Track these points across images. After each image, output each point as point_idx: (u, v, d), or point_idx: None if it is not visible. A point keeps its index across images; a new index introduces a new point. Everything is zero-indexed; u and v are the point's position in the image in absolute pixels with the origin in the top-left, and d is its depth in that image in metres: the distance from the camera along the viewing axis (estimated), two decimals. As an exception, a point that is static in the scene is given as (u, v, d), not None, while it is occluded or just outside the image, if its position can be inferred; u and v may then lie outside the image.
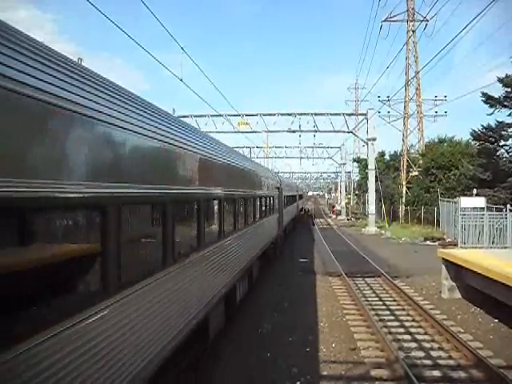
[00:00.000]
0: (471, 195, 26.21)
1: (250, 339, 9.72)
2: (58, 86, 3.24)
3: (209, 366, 7.83)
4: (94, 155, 3.66)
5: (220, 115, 38.01)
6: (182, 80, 16.84)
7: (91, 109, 3.62)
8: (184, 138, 6.20)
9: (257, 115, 41.15)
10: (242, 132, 42.17)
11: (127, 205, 4.26)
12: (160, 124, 5.34)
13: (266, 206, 16.03)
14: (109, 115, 3.93)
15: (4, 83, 2.65)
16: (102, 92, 4.04)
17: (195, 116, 39.74)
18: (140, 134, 4.57)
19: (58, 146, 3.21)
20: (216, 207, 8.14)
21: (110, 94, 4.26)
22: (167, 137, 5.40)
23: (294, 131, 42.17)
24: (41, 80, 3.05)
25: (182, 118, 10.37)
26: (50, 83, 3.15)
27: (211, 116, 39.36)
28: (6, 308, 2.74)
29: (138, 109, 4.84)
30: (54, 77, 3.28)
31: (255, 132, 42.64)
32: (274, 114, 41.04)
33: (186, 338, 5.84)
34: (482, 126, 31.92)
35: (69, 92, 3.37)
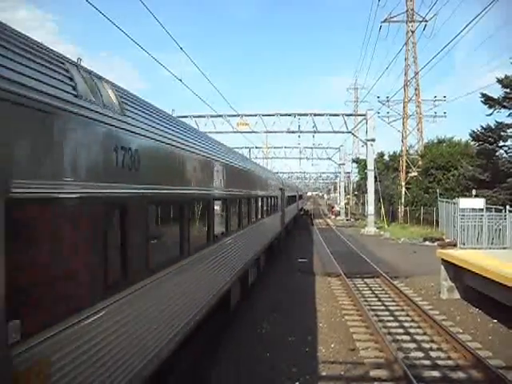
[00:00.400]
0: (470, 196, 26.19)
1: (250, 339, 9.72)
2: (162, 130, 5.39)
3: (208, 366, 7.82)
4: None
5: (219, 115, 38.01)
6: (181, 80, 16.83)
7: (171, 139, 5.67)
8: (217, 153, 8.59)
9: (256, 116, 41.14)
10: (241, 132, 42.17)
11: (188, 202, 6.34)
12: (202, 142, 7.61)
13: (271, 205, 18.01)
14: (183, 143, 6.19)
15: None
16: (176, 127, 6.36)
17: (194, 116, 39.70)
18: (188, 150, 6.40)
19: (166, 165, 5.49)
20: (237, 205, 10.34)
21: (175, 126, 6.34)
22: (205, 151, 7.49)
23: (293, 132, 42.17)
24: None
25: (181, 119, 11.16)
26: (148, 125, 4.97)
27: (210, 116, 39.34)
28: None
29: (189, 133, 7.02)
30: (172, 129, 6.02)
31: (254, 132, 42.64)
32: (274, 115, 41.01)
33: (218, 303, 8.03)
34: (482, 126, 31.95)
35: (166, 133, 5.56)
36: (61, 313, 3.13)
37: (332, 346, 9.44)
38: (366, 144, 39.38)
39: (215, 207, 8.06)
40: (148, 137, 4.85)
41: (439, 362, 8.46)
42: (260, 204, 14.53)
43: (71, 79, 3.59)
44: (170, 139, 5.58)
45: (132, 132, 4.44)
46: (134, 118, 4.59)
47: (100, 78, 4.38)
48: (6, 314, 2.58)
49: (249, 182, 12.35)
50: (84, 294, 3.47)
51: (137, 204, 4.49)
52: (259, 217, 14.17)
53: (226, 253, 8.68)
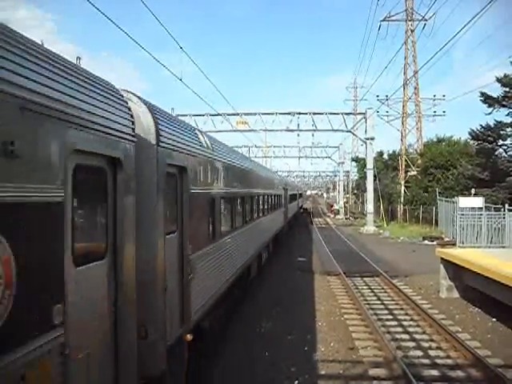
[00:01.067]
0: (469, 195, 26.25)
1: (249, 338, 9.72)
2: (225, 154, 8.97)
3: (207, 366, 7.82)
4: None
5: (219, 114, 37.99)
6: (181, 79, 16.82)
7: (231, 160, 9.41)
8: (251, 166, 13.76)
9: (255, 114, 41.14)
10: (240, 131, 42.17)
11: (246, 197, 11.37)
12: (242, 159, 12.52)
13: (277, 202, 21.59)
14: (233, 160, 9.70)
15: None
16: (233, 153, 10.79)
17: (194, 115, 39.70)
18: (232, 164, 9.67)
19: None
20: (259, 200, 14.69)
21: (232, 152, 10.71)
22: (245, 165, 12.02)
23: (292, 130, 42.17)
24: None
25: (180, 117, 12.29)
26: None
27: (210, 115, 39.32)
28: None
29: (235, 154, 11.52)
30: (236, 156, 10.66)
31: (254, 131, 42.65)
32: (273, 113, 41.01)
33: (243, 270, 11.24)
34: (481, 125, 32.01)
35: (228, 157, 9.49)
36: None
37: (331, 344, 9.45)
38: (366, 143, 39.39)
39: (252, 200, 12.80)
40: (222, 161, 8.51)
41: (438, 361, 8.46)
42: (270, 200, 18.25)
43: (198, 137, 7.10)
44: (230, 161, 9.45)
45: (217, 159, 8.00)
46: (217, 152, 8.14)
47: (201, 132, 8.10)
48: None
49: (265, 184, 16.65)
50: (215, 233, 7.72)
51: (229, 196, 9.29)
52: (270, 211, 17.98)
53: (256, 229, 13.48)
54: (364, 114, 39.02)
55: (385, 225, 40.18)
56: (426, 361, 8.50)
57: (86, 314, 3.49)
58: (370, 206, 38.79)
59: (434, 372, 7.94)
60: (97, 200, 3.96)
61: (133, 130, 4.37)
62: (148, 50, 12.49)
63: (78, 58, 4.31)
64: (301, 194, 55.12)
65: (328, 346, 9.34)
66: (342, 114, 40.90)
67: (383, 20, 43.26)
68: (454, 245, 20.33)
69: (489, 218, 19.40)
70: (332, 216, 63.05)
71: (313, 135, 45.15)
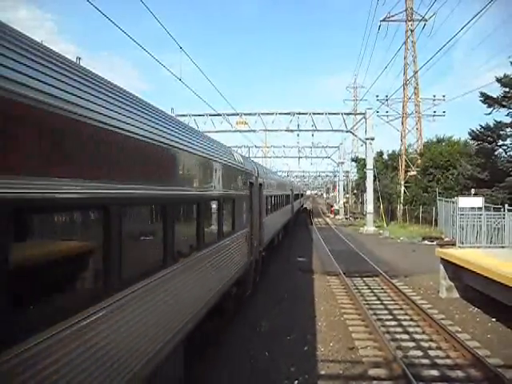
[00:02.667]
0: (469, 195, 26.23)
1: (248, 338, 9.72)
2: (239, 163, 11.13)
3: (207, 366, 7.83)
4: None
5: (218, 114, 38.00)
6: (180, 79, 16.85)
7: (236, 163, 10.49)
8: (278, 178, 26.23)
9: (255, 114, 41.12)
10: (240, 131, 42.16)
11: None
12: (274, 175, 24.38)
13: (287, 200, 28.07)
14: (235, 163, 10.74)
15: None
16: (261, 167, 17.34)
17: (194, 115, 39.70)
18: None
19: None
20: (279, 199, 21.55)
21: (260, 166, 17.32)
22: (277, 178, 25.51)
23: (292, 130, 42.17)
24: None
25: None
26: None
27: (210, 115, 39.32)
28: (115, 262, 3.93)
29: (265, 169, 20.49)
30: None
31: (254, 131, 42.63)
32: (273, 113, 41.00)
33: (282, 227, 23.86)
34: (481, 125, 31.98)
35: (275, 176, 23.28)
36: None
37: (331, 344, 9.45)
38: (365, 143, 39.38)
39: (280, 198, 20.67)
40: (273, 178, 18.44)
41: (438, 361, 8.47)
42: (282, 199, 24.34)
43: (233, 156, 10.19)
44: (275, 178, 17.97)
45: (246, 171, 11.10)
46: (270, 174, 17.51)
47: (232, 150, 11.02)
48: None
49: (283, 188, 24.82)
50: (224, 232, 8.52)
51: (275, 195, 19.18)
52: (285, 204, 26.21)
53: (283, 211, 22.81)
54: (364, 114, 39.01)
55: (384, 225, 40.17)
56: (426, 361, 8.51)
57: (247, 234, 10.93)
58: (369, 206, 38.79)
59: (434, 372, 7.95)
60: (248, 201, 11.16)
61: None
62: (148, 50, 12.51)
63: (78, 59, 4.31)
64: (302, 194, 60.13)
65: (328, 346, 9.34)
66: (341, 114, 40.92)
67: (383, 20, 43.34)
68: (454, 245, 20.28)
69: (488, 218, 19.33)
70: (332, 216, 63.02)
71: (312, 135, 45.18)
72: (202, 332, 6.94)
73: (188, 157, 6.11)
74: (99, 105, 3.75)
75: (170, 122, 5.72)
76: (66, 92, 3.26)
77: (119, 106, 4.18)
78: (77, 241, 3.64)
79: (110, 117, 3.86)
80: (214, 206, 7.71)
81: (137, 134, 4.38)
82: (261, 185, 14.02)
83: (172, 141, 5.40)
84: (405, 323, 11.01)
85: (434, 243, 25.83)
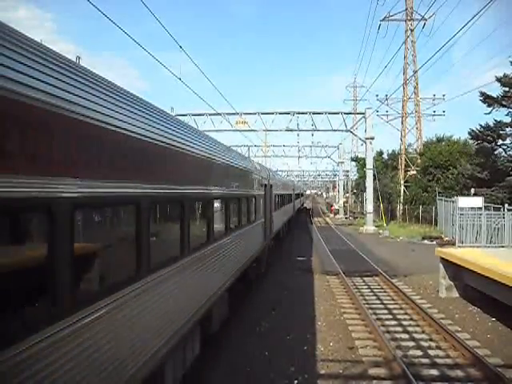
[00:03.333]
0: (469, 194, 26.27)
1: (248, 338, 9.72)
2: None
3: (207, 365, 7.83)
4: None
5: (218, 114, 37.96)
6: (180, 79, 16.83)
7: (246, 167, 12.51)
8: (284, 179, 33.62)
9: (255, 114, 41.09)
10: (240, 131, 42.14)
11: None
12: (291, 182, 38.05)
13: (289, 199, 30.54)
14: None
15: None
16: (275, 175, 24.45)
17: (193, 115, 39.67)
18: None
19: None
20: (286, 197, 27.11)
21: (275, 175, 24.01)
22: (293, 182, 42.18)
23: (292, 130, 42.12)
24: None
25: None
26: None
27: (209, 115, 39.29)
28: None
29: (279, 176, 30.17)
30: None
31: (253, 131, 42.58)
32: (272, 113, 40.95)
33: (289, 218, 30.61)
34: (480, 125, 31.97)
35: (280, 177, 27.30)
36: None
37: (331, 344, 9.45)
38: (365, 142, 39.37)
39: (284, 197, 25.34)
40: (279, 180, 23.41)
41: (438, 361, 8.47)
42: (287, 198, 28.55)
43: (254, 165, 14.24)
44: (279, 179, 23.88)
45: (262, 176, 14.52)
46: (261, 170, 15.18)
47: (251, 159, 16.18)
48: None
49: (283, 187, 25.94)
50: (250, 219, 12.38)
51: (283, 194, 23.76)
52: (287, 203, 28.64)
53: (288, 207, 29.46)
54: (363, 113, 38.99)
55: (384, 224, 40.15)
56: (426, 360, 8.50)
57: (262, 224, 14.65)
58: (369, 206, 38.79)
59: (434, 371, 7.94)
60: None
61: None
62: (148, 50, 12.49)
63: (78, 58, 4.31)
64: (302, 194, 64.16)
65: (327, 346, 9.34)
66: (341, 113, 40.87)
67: (383, 19, 43.28)
68: (454, 244, 20.29)
69: (488, 218, 19.33)
70: (332, 216, 63.06)
71: (312, 135, 45.20)
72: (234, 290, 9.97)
73: (231, 169, 9.36)
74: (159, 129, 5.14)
75: (219, 146, 8.76)
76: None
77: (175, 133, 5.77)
78: (125, 232, 4.46)
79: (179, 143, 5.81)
80: (244, 201, 10.89)
81: (195, 152, 6.42)
82: (271, 186, 17.56)
83: (221, 158, 8.42)
84: (404, 323, 11.01)
85: (434, 243, 25.85)
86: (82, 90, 3.55)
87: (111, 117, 3.88)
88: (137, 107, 4.68)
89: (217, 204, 8.06)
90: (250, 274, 12.81)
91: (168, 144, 5.29)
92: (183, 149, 5.89)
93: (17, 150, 2.68)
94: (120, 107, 4.18)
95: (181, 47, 14.98)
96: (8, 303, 2.79)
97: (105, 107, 3.81)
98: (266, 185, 15.46)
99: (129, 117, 4.31)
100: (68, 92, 3.30)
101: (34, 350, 2.74)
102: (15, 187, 2.65)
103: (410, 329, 10.49)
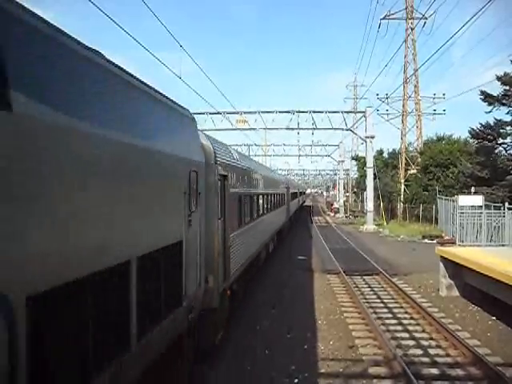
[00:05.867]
0: (469, 193, 26.25)
1: (248, 336, 9.73)
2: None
3: (207, 364, 7.83)
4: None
5: (219, 113, 37.97)
6: (180, 78, 16.84)
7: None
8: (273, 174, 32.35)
9: (255, 113, 41.06)
10: (240, 129, 42.16)
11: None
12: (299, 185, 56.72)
13: (296, 195, 40.76)
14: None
15: None
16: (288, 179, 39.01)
17: (194, 114, 39.53)
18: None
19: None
20: (294, 194, 38.88)
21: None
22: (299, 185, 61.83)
23: (292, 129, 42.12)
24: None
25: None
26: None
27: (210, 114, 39.28)
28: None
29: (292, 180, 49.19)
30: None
31: (254, 129, 42.61)
32: (273, 112, 40.91)
33: (297, 209, 44.32)
34: (481, 124, 31.90)
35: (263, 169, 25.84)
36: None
37: (331, 343, 9.46)
38: (366, 141, 39.37)
39: (295, 194, 40.61)
40: (286, 182, 30.87)
41: (438, 359, 8.47)
42: (298, 196, 43.92)
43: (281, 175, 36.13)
44: (290, 181, 39.84)
45: (285, 181, 30.41)
46: (285, 178, 36.63)
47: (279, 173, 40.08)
48: None
49: (294, 187, 38.98)
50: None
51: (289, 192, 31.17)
52: (295, 198, 40.77)
53: (295, 204, 40.65)
54: (364, 112, 38.98)
55: (385, 223, 40.16)
56: (426, 359, 8.51)
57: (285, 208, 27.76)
58: (369, 205, 38.79)
59: (434, 370, 7.95)
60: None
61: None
62: (148, 49, 12.47)
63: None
64: (304, 192, 74.40)
65: (328, 345, 9.34)
66: (341, 112, 40.89)
67: (383, 18, 43.16)
68: (454, 243, 20.35)
69: (488, 217, 19.40)
70: (332, 215, 63.06)
71: (313, 134, 45.29)
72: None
73: (273, 179, 20.46)
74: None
75: (270, 171, 23.79)
76: None
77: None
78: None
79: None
80: (280, 196, 22.38)
81: (261, 174, 15.74)
82: (289, 187, 30.07)
83: (271, 176, 21.22)
84: (405, 321, 11.02)
85: (434, 241, 25.82)
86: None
87: (248, 166, 12.47)
88: (248, 158, 14.69)
89: (274, 195, 19.63)
90: (282, 233, 25.68)
91: (252, 170, 13.20)
92: (255, 172, 13.85)
93: None
94: (248, 160, 13.70)
95: (181, 46, 14.99)
96: None
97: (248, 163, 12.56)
98: (287, 187, 28.44)
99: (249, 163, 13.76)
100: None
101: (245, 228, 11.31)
102: None
103: (410, 328, 10.50)
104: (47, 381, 2.81)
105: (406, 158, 45.00)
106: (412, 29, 43.25)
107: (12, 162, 2.44)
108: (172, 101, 5.97)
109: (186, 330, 6.15)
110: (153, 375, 4.69)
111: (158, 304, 4.79)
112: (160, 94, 5.47)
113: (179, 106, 6.39)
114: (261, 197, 15.24)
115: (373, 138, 38.58)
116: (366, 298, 13.37)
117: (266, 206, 16.56)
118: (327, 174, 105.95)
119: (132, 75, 4.56)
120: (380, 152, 57.53)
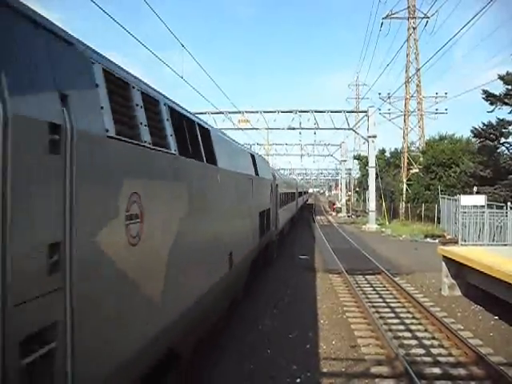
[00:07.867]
0: (471, 192, 26.22)
1: (250, 336, 9.73)
2: None
3: (208, 364, 7.85)
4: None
5: (221, 112, 37.96)
6: (182, 77, 16.84)
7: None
8: (289, 178, 45.66)
9: (257, 112, 41.06)
10: (242, 129, 42.13)
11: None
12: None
13: (301, 194, 48.06)
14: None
15: None
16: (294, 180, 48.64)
17: (196, 113, 39.60)
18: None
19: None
20: (300, 194, 47.13)
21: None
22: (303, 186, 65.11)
23: (294, 128, 42.08)
24: None
25: None
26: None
27: (212, 113, 39.27)
28: None
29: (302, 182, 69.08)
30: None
31: (256, 129, 42.57)
32: (275, 111, 40.88)
33: (302, 206, 54.37)
34: (483, 123, 31.87)
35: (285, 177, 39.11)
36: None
37: (333, 342, 9.45)
38: (368, 141, 39.34)
39: (302, 194, 51.91)
40: (297, 185, 41.53)
41: (440, 359, 8.45)
42: (304, 194, 59.10)
43: (297, 181, 51.58)
44: (286, 179, 34.48)
45: (296, 185, 40.44)
46: (299, 183, 51.31)
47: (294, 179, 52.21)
48: None
49: (300, 187, 45.10)
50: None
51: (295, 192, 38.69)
52: (303, 195, 54.45)
53: (300, 200, 48.42)
54: (366, 111, 38.95)
55: (387, 223, 40.14)
56: (428, 359, 8.49)
57: (295, 203, 38.53)
58: (371, 204, 38.78)
59: (436, 370, 7.93)
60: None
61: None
62: (150, 49, 12.49)
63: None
64: (306, 192, 78.14)
65: (330, 344, 9.34)
66: (343, 111, 40.82)
67: (385, 18, 43.10)
68: (456, 243, 20.31)
69: (491, 216, 19.36)
70: (334, 214, 63.04)
71: (315, 133, 45.13)
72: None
73: (290, 184, 31.19)
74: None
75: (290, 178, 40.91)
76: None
77: None
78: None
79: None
80: (294, 194, 33.91)
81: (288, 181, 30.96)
82: (298, 188, 37.94)
83: (292, 182, 36.44)
84: (407, 321, 11.00)
85: (437, 241, 25.81)
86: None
87: (280, 177, 22.84)
88: (278, 171, 26.99)
89: (291, 194, 30.33)
90: (294, 219, 35.45)
91: (282, 179, 24.25)
92: (284, 180, 24.72)
93: None
94: (280, 174, 26.05)
95: (183, 45, 15.01)
96: None
97: (280, 176, 23.37)
98: (297, 188, 36.58)
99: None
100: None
101: (283, 208, 23.34)
102: None
103: (412, 327, 10.49)
104: None
105: (408, 158, 44.95)
106: (414, 28, 43.18)
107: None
108: (260, 156, 16.93)
109: (271, 242, 16.33)
110: (262, 256, 14.54)
111: (263, 227, 13.42)
112: (257, 154, 15.82)
113: (263, 157, 17.82)
114: (286, 194, 25.47)
115: (375, 137, 38.55)
116: (368, 298, 13.36)
117: (288, 199, 27.32)
118: (329, 174, 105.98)
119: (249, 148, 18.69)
120: (382, 151, 57.44)
